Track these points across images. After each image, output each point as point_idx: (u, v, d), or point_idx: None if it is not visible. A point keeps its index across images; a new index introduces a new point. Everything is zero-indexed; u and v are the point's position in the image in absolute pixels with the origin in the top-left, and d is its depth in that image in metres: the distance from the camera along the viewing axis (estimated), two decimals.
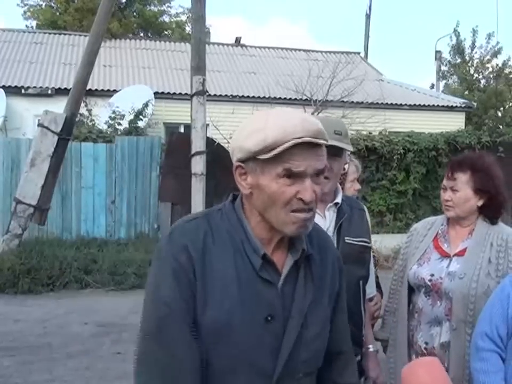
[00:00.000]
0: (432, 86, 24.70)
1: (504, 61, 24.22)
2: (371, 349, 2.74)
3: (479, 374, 2.43)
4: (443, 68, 25.32)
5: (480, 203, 2.88)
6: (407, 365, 2.01)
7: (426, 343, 2.88)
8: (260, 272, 1.58)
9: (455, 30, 24.48)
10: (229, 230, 1.62)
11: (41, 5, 26.30)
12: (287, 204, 1.55)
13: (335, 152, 2.43)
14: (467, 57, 24.60)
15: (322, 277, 1.73)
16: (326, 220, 2.51)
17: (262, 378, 1.58)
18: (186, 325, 1.54)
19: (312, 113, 13.28)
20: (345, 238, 2.49)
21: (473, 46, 24.31)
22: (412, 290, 3.00)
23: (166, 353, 1.54)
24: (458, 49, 24.52)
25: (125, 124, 13.54)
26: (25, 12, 26.67)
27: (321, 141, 1.56)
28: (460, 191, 2.87)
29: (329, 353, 1.79)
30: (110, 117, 13.49)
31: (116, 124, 13.37)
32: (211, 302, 1.55)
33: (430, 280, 2.87)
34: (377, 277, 3.67)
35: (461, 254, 2.88)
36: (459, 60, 24.71)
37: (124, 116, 13.55)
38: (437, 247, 2.97)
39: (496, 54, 24.02)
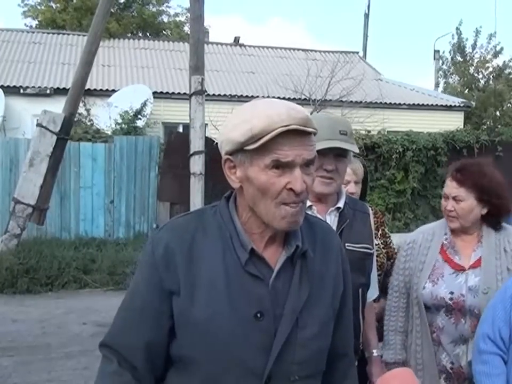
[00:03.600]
0: (437, 85, 24.67)
1: (505, 61, 24.25)
2: (375, 354, 2.68)
3: (481, 376, 2.41)
4: (443, 66, 25.30)
5: (484, 211, 2.74)
6: (380, 378, 1.99)
7: (452, 363, 2.73)
8: (247, 267, 1.54)
9: (457, 29, 24.45)
10: (220, 226, 1.59)
11: (41, 4, 26.26)
12: (277, 196, 1.51)
13: (340, 153, 2.39)
14: (467, 57, 24.58)
15: (323, 275, 1.67)
16: None
17: (253, 378, 1.53)
18: (144, 316, 1.59)
19: (311, 113, 13.29)
20: (346, 244, 2.41)
21: (474, 46, 24.30)
22: (419, 307, 2.82)
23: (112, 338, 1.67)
24: (459, 47, 24.49)
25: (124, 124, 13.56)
26: (24, 12, 26.67)
27: (309, 129, 1.53)
28: (463, 201, 2.72)
29: (334, 355, 1.75)
30: (120, 115, 13.47)
31: (123, 124, 13.38)
32: (198, 298, 1.53)
33: (450, 299, 2.70)
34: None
35: (476, 265, 2.72)
36: (460, 59, 24.67)
37: (130, 117, 13.56)
38: (447, 260, 2.79)
39: (497, 54, 24.02)
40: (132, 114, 13.80)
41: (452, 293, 2.71)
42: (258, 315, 1.53)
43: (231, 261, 1.55)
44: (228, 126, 1.57)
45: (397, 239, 3.60)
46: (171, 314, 1.56)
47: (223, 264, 1.55)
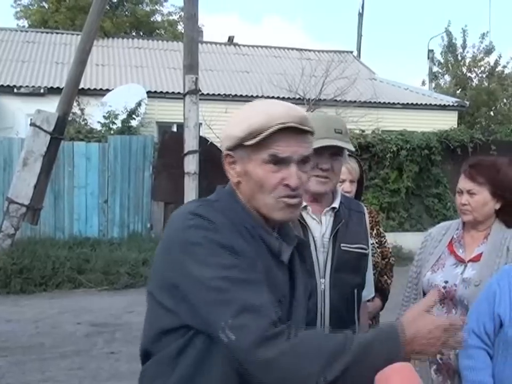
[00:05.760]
0: (423, 83, 24.77)
1: (496, 59, 24.32)
2: None
3: (467, 371, 2.45)
4: (435, 68, 25.34)
5: (497, 206, 2.80)
6: (380, 372, 2.00)
7: (441, 354, 2.80)
8: (280, 255, 1.62)
9: (446, 30, 24.52)
10: (238, 219, 1.60)
11: (33, 5, 26.16)
12: (273, 190, 1.59)
13: (335, 151, 2.38)
14: (459, 57, 24.64)
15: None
16: (322, 225, 2.42)
17: None
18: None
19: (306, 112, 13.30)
20: (342, 244, 2.41)
21: (464, 46, 24.36)
22: (419, 294, 2.92)
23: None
24: (449, 48, 24.55)
25: (117, 123, 13.51)
26: (17, 13, 26.60)
27: (306, 128, 1.61)
28: (478, 194, 2.77)
29: None
30: (104, 116, 13.45)
31: (111, 124, 13.35)
32: None
33: (444, 287, 2.77)
34: (387, 284, 3.60)
35: (476, 259, 2.78)
36: (451, 59, 24.73)
37: (117, 115, 13.52)
38: (451, 252, 2.87)
39: (488, 52, 24.09)
40: (125, 113, 13.76)
41: (446, 282, 2.79)
42: (281, 300, 1.59)
43: (260, 250, 1.59)
44: (229, 124, 1.65)
45: (390, 238, 3.62)
46: None
47: (256, 254, 1.56)
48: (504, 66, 24.48)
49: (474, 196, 2.79)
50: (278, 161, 1.57)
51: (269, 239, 1.61)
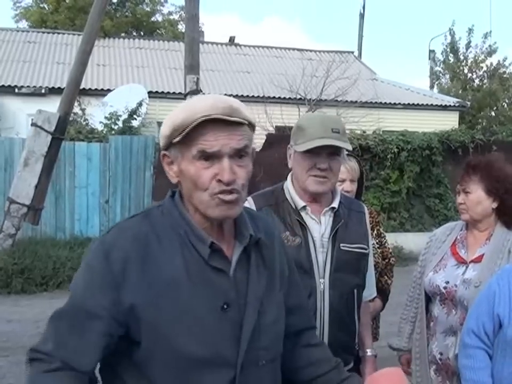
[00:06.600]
0: (432, 86, 24.73)
1: (499, 60, 24.30)
2: (369, 353, 2.67)
3: (466, 370, 2.45)
4: (436, 68, 25.32)
5: (494, 205, 2.81)
6: (370, 376, 2.00)
7: (441, 354, 2.80)
8: (209, 261, 1.55)
9: (450, 30, 24.49)
10: (172, 225, 1.59)
11: (32, 6, 26.15)
12: (207, 188, 1.53)
13: (333, 151, 2.36)
14: (461, 57, 24.62)
15: (272, 261, 1.72)
16: (321, 225, 2.41)
17: (226, 368, 1.55)
18: (96, 330, 1.52)
19: (306, 112, 13.31)
20: (341, 244, 2.40)
21: (468, 46, 24.32)
22: (429, 298, 2.93)
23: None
24: (452, 48, 24.54)
25: (119, 124, 13.51)
26: (16, 15, 26.62)
27: (233, 118, 1.52)
28: (472, 193, 2.81)
29: (288, 336, 1.79)
30: (106, 117, 13.45)
31: (112, 125, 13.35)
32: (163, 302, 1.51)
33: (444, 288, 2.79)
34: (387, 284, 3.61)
35: (477, 260, 2.79)
36: (453, 59, 24.71)
37: (119, 116, 13.51)
38: (454, 253, 2.89)
39: (491, 53, 24.07)
40: (126, 113, 13.76)
41: (447, 282, 2.80)
42: (225, 306, 1.56)
43: (191, 258, 1.56)
44: (163, 123, 1.62)
45: (391, 239, 3.61)
46: (126, 324, 1.51)
47: (183, 262, 1.54)
48: (506, 67, 24.49)
49: (469, 195, 2.83)
50: (209, 157, 1.52)
51: (198, 246, 1.56)
